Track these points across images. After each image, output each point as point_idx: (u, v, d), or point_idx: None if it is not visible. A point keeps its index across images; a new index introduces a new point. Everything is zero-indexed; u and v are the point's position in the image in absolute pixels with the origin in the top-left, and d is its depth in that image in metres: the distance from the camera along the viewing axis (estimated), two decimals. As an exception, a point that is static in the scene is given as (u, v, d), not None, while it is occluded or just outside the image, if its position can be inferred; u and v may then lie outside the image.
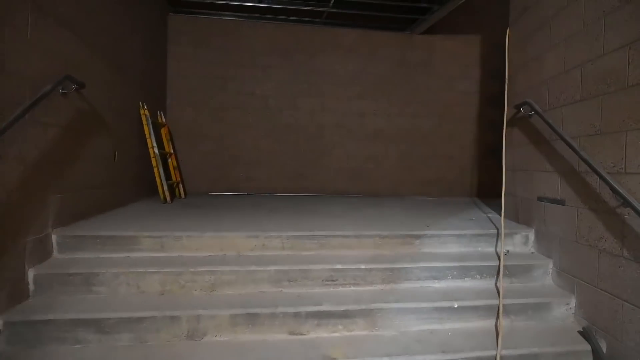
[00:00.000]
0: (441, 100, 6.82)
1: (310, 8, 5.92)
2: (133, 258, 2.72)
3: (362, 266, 2.71)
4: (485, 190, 6.94)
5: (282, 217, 3.82)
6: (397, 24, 6.60)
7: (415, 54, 6.74)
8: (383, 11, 6.11)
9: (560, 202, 2.88)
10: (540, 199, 3.20)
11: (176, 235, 2.82)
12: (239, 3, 5.87)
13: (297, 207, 4.68)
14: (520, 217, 3.57)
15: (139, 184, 4.84)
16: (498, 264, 2.87)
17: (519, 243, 3.25)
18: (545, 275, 2.95)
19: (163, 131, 5.47)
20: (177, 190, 5.45)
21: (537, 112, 3.07)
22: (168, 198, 4.75)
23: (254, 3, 5.85)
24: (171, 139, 5.90)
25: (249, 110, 6.33)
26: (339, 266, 2.68)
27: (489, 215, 4.33)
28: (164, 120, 5.50)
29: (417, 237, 3.09)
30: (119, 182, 4.21)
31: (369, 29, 6.57)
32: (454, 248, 3.14)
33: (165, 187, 4.75)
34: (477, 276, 2.85)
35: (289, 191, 6.45)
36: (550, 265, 2.95)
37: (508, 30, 3.86)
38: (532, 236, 3.27)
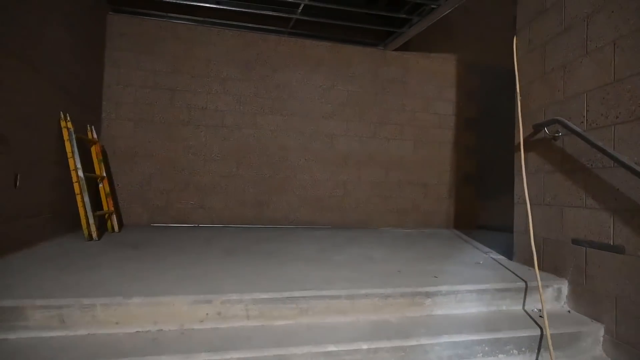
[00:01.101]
0: (417, 122, 6.25)
1: (276, 14, 5.19)
2: (12, 342, 1.76)
3: (364, 346, 1.89)
4: (462, 220, 6.37)
5: (243, 263, 2.94)
6: (370, 38, 6.01)
7: (390, 71, 6.15)
8: (357, 21, 5.50)
9: (616, 249, 2.22)
10: (576, 242, 2.54)
11: (85, 303, 1.88)
12: (193, 3, 5.04)
13: (260, 246, 3.81)
14: (543, 263, 2.90)
15: (57, 216, 3.79)
16: (540, 333, 2.14)
17: (550, 298, 2.56)
18: (596, 345, 2.26)
19: (94, 150, 4.46)
20: (109, 222, 4.41)
21: (575, 133, 2.44)
22: (94, 234, 3.73)
23: (211, 4, 5.05)
24: (105, 160, 4.88)
25: (201, 128, 5.43)
26: (331, 347, 1.85)
27: (491, 256, 3.65)
28: (95, 136, 4.49)
29: (428, 295, 2.32)
30: (24, 214, 3.18)
31: (339, 42, 5.93)
32: (473, 308, 2.40)
33: (91, 221, 3.73)
34: (514, 351, 2.11)
35: (248, 222, 5.55)
36: (602, 332, 2.27)
37: (515, 38, 3.27)
38: (565, 289, 2.59)
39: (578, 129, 2.43)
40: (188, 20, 5.43)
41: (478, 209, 6.50)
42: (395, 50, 6.16)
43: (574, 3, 2.62)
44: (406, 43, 5.96)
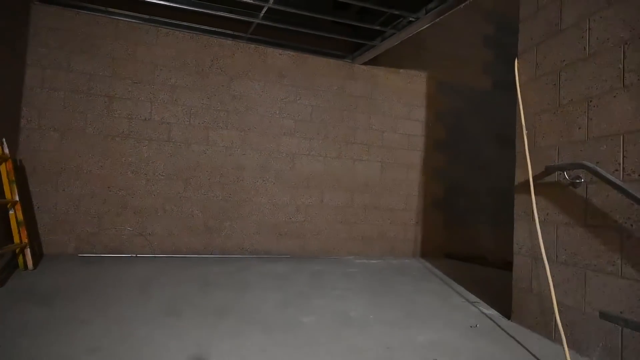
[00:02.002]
0: (384, 143, 5.83)
1: (234, 16, 4.58)
2: None
3: None
4: (429, 247, 6.00)
5: (185, 334, 2.32)
6: (337, 49, 5.53)
7: (357, 86, 5.70)
8: (324, 30, 4.99)
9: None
10: (607, 317, 2.13)
11: None
12: (137, -2, 4.34)
13: (208, 295, 3.17)
14: (555, 332, 2.47)
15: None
16: None
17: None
18: None
19: (3, 168, 3.65)
20: (20, 258, 3.61)
21: (610, 183, 2.03)
22: (-6, 280, 2.96)
23: (159, 0, 4.36)
24: (19, 179, 4.05)
25: (144, 142, 4.71)
26: None
27: (482, 309, 3.22)
28: (6, 151, 3.68)
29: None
30: None
31: (304, 51, 5.40)
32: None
33: (-9, 263, 2.96)
34: None
35: (196, 251, 4.87)
36: None
37: (517, 61, 2.87)
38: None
39: (614, 179, 2.03)
40: (131, 17, 4.70)
41: (445, 236, 6.16)
42: (364, 64, 5.71)
43: (605, 26, 2.23)
44: (375, 57, 5.53)
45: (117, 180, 4.62)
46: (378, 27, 4.67)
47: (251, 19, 4.64)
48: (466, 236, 6.28)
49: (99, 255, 4.46)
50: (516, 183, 2.83)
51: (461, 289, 3.91)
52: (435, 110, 6.15)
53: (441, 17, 4.14)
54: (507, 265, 5.80)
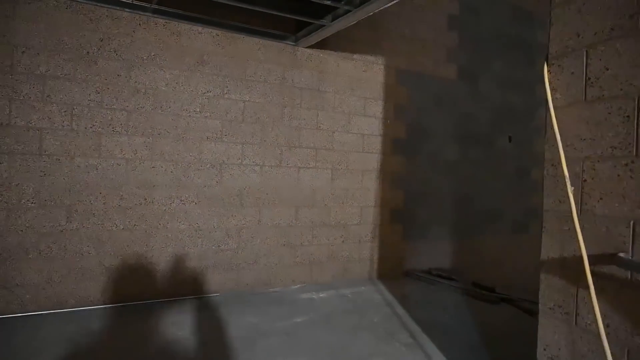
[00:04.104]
0: (335, 145, 4.78)
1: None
2: None
3: None
4: (387, 265, 5.15)
5: None
6: (276, 27, 4.33)
7: (302, 75, 4.55)
8: (258, 4, 3.77)
9: None
10: None
11: None
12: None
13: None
14: None
15: None
16: None
17: None
18: None
19: None
20: None
21: None
22: None
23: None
24: None
25: (2, 157, 3.32)
26: None
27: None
28: None
29: None
30: None
31: (232, 30, 4.15)
32: None
33: None
34: None
35: (89, 302, 3.62)
36: None
37: (546, 69, 1.89)
38: None
39: None
40: (-29, -26, 3.22)
41: (405, 251, 5.31)
42: (310, 47, 4.56)
43: None
44: (324, 39, 4.40)
45: (-39, 212, 3.23)
46: (329, 2, 3.53)
47: (154, -16, 3.33)
48: (428, 250, 5.48)
49: (-64, 323, 3.11)
50: (544, 256, 1.90)
51: (436, 351, 3.01)
52: (394, 104, 5.17)
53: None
54: (476, 287, 5.09)
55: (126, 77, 3.70)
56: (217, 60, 4.10)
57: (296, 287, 4.52)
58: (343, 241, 4.86)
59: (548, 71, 1.89)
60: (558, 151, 1.81)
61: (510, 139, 6.28)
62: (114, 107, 3.66)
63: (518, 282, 6.16)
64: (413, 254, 5.37)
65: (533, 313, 4.30)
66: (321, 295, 4.25)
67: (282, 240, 4.48)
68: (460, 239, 5.75)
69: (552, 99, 1.85)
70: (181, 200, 3.95)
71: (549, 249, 1.87)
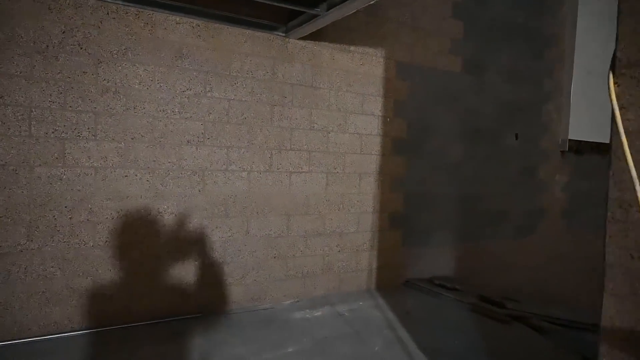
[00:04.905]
0: (331, 147, 4.37)
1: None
2: None
3: None
4: (386, 275, 4.80)
5: None
6: (265, 17, 3.87)
7: (294, 70, 4.12)
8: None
9: None
10: None
11: None
12: None
13: None
14: None
15: None
16: None
17: None
18: None
19: None
20: None
21: None
22: None
23: None
24: None
25: (-53, 168, 2.89)
26: None
27: None
28: None
29: None
30: None
31: (215, 20, 3.70)
32: None
33: None
34: None
35: (58, 328, 3.22)
36: None
37: (612, 79, 1.49)
38: None
39: None
40: None
41: (405, 258, 4.94)
42: (302, 39, 4.12)
43: None
44: (318, 30, 3.96)
45: None
46: (324, -11, 3.09)
47: (120, -33, 2.87)
48: (429, 256, 5.12)
49: None
50: (607, 323, 1.52)
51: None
52: (394, 100, 4.76)
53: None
54: (483, 302, 4.75)
55: (93, 74, 3.25)
56: (198, 54, 3.65)
57: (288, 302, 4.14)
58: (339, 251, 4.48)
59: (615, 84, 1.48)
60: (634, 190, 1.42)
61: (517, 136, 5.89)
62: (80, 109, 3.22)
63: (525, 289, 5.84)
64: (414, 262, 5.01)
65: (544, 332, 3.97)
66: (316, 314, 3.88)
67: (273, 252, 4.10)
68: (463, 244, 5.39)
69: (622, 121, 1.45)
70: (159, 212, 3.54)
71: (614, 316, 1.50)
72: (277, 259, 4.13)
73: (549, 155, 6.30)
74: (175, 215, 3.60)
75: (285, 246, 4.16)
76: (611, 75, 1.51)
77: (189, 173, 3.65)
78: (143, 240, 3.48)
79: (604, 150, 6.95)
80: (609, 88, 1.51)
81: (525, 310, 4.37)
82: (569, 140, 6.44)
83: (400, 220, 4.88)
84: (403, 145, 4.85)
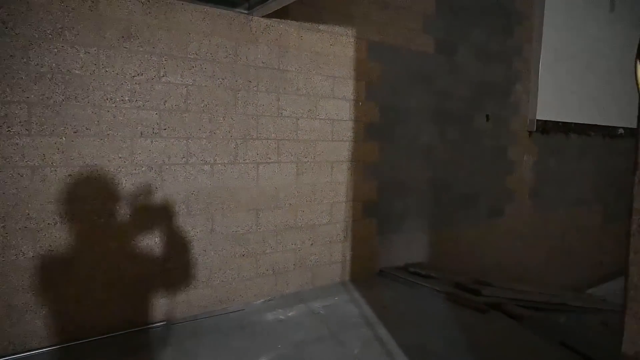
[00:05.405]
0: (300, 134, 4.07)
1: None
2: None
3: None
4: (360, 265, 4.63)
5: None
6: (224, -9, 3.47)
7: (259, 52, 3.75)
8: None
9: None
10: None
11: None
12: None
13: None
14: None
15: None
16: None
17: None
18: None
19: None
20: None
21: None
22: None
23: None
24: None
25: None
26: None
27: None
28: None
29: None
30: None
31: (168, -6, 3.27)
32: None
33: None
34: None
35: (4, 350, 2.84)
36: None
37: (638, 64, 1.26)
38: None
39: None
40: None
41: (379, 247, 4.78)
42: (267, 17, 3.74)
43: None
44: (285, 6, 3.60)
45: None
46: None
47: None
48: (404, 243, 4.98)
49: None
50: (630, 351, 1.34)
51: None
52: (366, 82, 4.49)
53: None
54: (459, 289, 4.67)
55: (23, 58, 2.78)
56: (149, 34, 3.22)
57: (260, 302, 3.89)
58: (312, 244, 4.24)
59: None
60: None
61: (487, 117, 5.78)
62: (8, 99, 2.75)
63: (496, 271, 5.85)
64: (388, 250, 4.85)
65: (520, 318, 3.93)
66: (289, 314, 3.65)
67: (241, 250, 3.80)
68: (436, 229, 5.29)
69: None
70: (109, 214, 3.15)
71: (638, 342, 1.31)
72: (246, 257, 3.84)
73: (518, 136, 6.26)
74: (130, 216, 3.23)
75: (255, 243, 3.88)
76: (638, 62, 1.30)
77: (143, 169, 3.26)
78: (94, 246, 3.10)
79: (569, 130, 7.01)
80: (635, 75, 1.30)
81: (500, 296, 4.33)
82: (537, 120, 6.41)
83: (374, 208, 4.68)
84: (376, 130, 4.61)
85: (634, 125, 7.22)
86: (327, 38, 4.13)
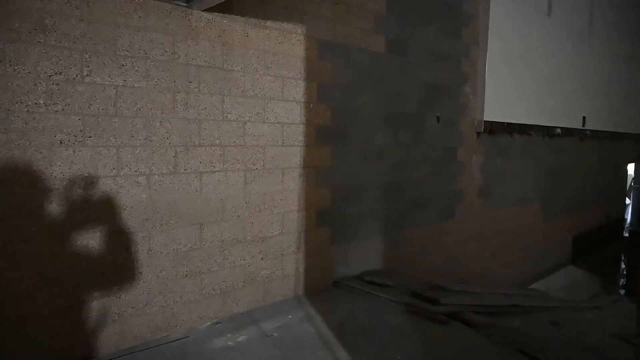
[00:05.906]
0: (248, 139, 3.75)
1: None
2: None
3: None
4: (316, 277, 4.39)
5: None
6: (158, -20, 3.07)
7: (200, 49, 3.38)
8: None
9: None
10: None
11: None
12: None
13: None
14: None
15: None
16: None
17: None
18: None
19: None
20: None
21: None
22: None
23: None
24: None
25: None
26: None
27: None
28: None
29: None
30: None
31: (91, -19, 2.82)
32: None
33: None
34: None
35: None
36: None
37: None
38: None
39: None
40: None
41: (334, 256, 4.56)
42: (209, 10, 3.37)
43: None
44: (228, 1, 3.26)
45: None
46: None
47: None
48: (358, 251, 4.80)
49: None
50: None
51: None
52: (317, 83, 4.23)
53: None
54: (416, 298, 4.54)
55: None
56: (69, 26, 2.76)
57: (206, 326, 3.53)
58: (262, 258, 3.94)
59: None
60: None
61: (438, 119, 5.73)
62: None
63: (448, 274, 5.83)
64: (343, 258, 4.65)
65: (477, 326, 3.88)
66: (239, 339, 3.32)
67: (183, 269, 3.42)
68: (391, 234, 5.15)
69: None
70: (23, 238, 2.68)
71: None
72: (190, 277, 3.47)
73: (467, 137, 6.28)
74: (48, 239, 2.76)
75: (199, 260, 3.51)
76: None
77: (64, 183, 2.81)
78: (3, 275, 2.61)
79: (513, 130, 7.17)
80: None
81: (457, 304, 4.25)
82: (484, 121, 6.47)
83: (328, 216, 4.45)
84: (328, 133, 4.37)
85: (570, 125, 7.48)
86: (275, 35, 3.82)
